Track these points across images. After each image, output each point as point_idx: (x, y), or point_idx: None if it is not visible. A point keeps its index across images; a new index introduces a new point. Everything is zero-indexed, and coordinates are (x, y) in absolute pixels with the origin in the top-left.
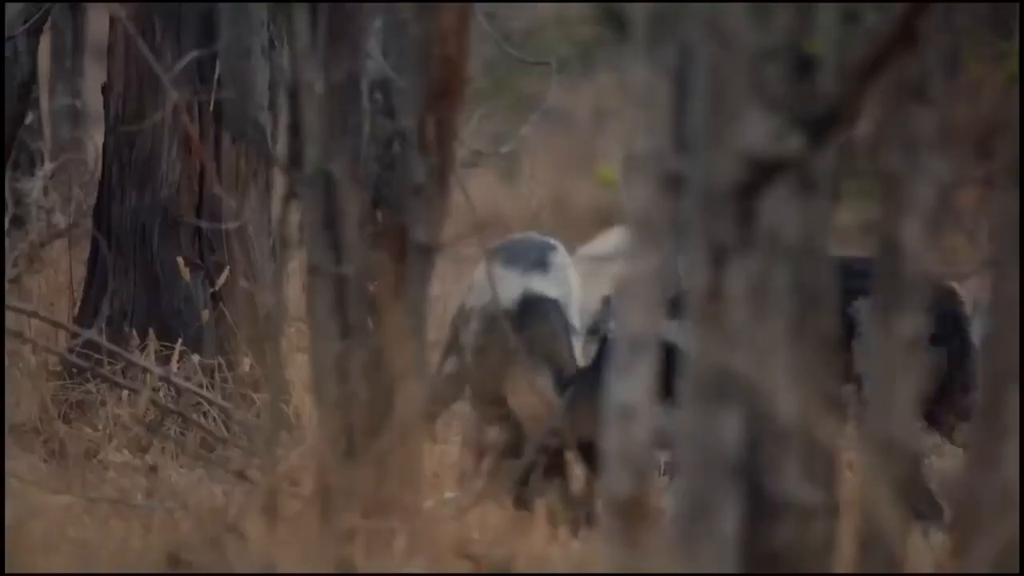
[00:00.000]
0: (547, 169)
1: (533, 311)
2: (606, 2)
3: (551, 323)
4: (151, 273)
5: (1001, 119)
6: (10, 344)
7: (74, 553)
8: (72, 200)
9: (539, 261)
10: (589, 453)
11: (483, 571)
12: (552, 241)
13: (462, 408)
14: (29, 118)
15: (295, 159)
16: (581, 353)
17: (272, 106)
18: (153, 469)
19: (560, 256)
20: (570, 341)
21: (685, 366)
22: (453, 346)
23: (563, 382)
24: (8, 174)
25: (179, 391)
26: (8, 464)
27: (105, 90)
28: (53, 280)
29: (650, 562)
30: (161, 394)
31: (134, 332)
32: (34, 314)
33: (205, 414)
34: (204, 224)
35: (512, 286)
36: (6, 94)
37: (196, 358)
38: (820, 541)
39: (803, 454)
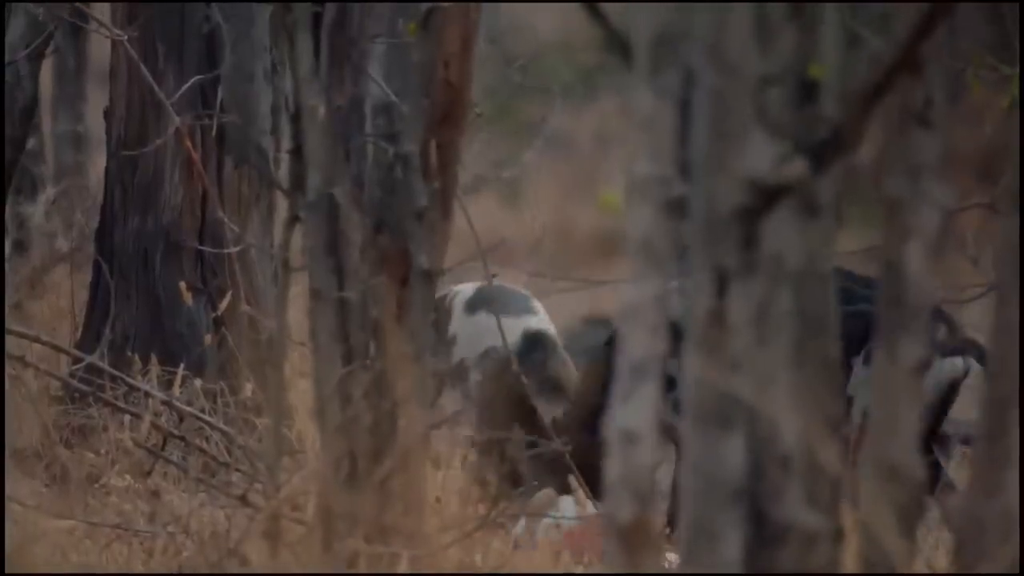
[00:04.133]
0: (549, 194)
1: (539, 347)
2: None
3: (560, 354)
4: (153, 297)
5: (1003, 144)
6: (12, 369)
7: None
8: (74, 225)
9: (528, 307)
10: None
11: None
12: (523, 291)
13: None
14: (31, 143)
15: (298, 183)
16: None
17: (275, 130)
18: (155, 494)
19: (539, 305)
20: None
21: (687, 391)
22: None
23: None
24: (10, 199)
25: (181, 416)
26: (10, 489)
27: (107, 114)
28: (55, 305)
29: None
30: (163, 419)
31: (136, 356)
32: (36, 339)
33: (207, 438)
34: (206, 248)
35: (509, 333)
36: (8, 119)
37: (198, 382)
38: (823, 566)
39: (806, 479)
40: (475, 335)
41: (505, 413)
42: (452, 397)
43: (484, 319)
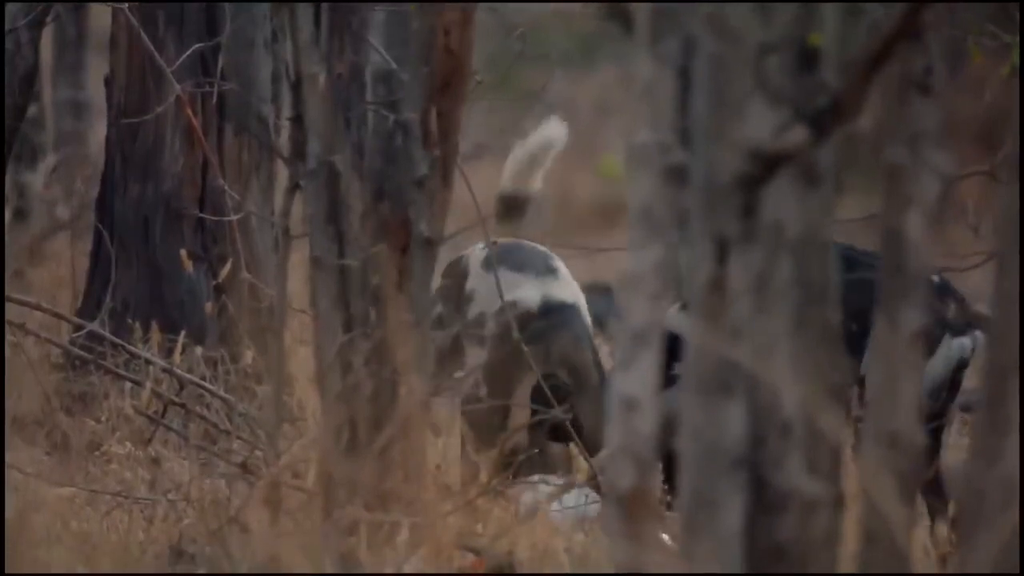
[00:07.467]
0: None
1: (555, 317)
2: (612, 1)
3: (574, 330)
4: (154, 265)
5: (1003, 112)
6: (12, 336)
7: (76, 545)
8: (74, 193)
9: (549, 267)
10: None
11: (484, 564)
12: (546, 250)
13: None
14: (32, 111)
15: (298, 151)
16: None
17: (275, 98)
18: (156, 461)
19: (562, 263)
20: (594, 347)
21: (688, 358)
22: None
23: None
24: (10, 167)
25: (182, 383)
26: (10, 456)
27: (108, 82)
28: (55, 272)
29: (653, 555)
30: (164, 386)
31: (137, 324)
32: (36, 306)
33: (208, 406)
34: (207, 216)
35: (530, 291)
36: (8, 86)
37: (199, 350)
38: (824, 534)
39: (806, 446)
40: (494, 290)
41: (506, 373)
42: (473, 352)
43: (503, 275)
